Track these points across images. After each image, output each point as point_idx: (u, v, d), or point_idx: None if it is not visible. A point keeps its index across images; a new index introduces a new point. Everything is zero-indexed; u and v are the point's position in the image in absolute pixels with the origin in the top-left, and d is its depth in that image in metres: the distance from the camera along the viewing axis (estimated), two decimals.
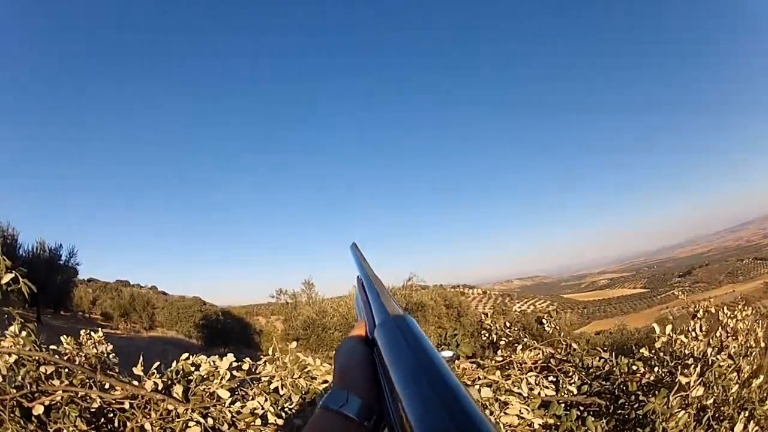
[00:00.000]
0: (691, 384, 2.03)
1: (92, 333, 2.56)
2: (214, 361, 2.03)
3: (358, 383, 0.51)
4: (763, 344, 2.89)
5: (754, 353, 2.77)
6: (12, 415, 1.83)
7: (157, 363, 2.01)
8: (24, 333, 2.02)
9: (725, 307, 2.89)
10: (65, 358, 2.06)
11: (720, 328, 2.74)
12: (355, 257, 0.80)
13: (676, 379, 2.10)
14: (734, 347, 2.62)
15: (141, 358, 2.01)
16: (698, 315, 2.76)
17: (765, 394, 2.51)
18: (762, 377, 2.57)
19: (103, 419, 1.98)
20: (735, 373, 2.44)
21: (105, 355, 2.22)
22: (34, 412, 1.83)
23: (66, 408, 1.87)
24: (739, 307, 2.95)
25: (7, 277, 1.93)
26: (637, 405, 2.21)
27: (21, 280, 1.96)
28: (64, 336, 2.29)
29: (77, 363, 2.03)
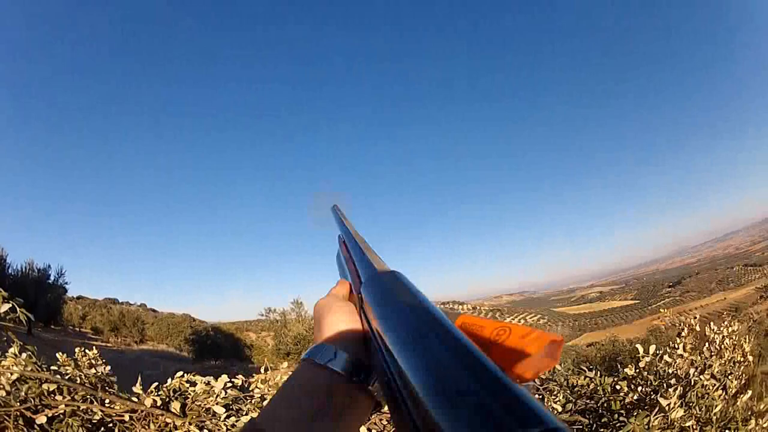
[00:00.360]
0: (671, 406, 2.07)
1: (87, 351, 2.59)
2: (209, 381, 2.08)
3: (346, 339, 0.48)
4: (751, 358, 2.80)
5: (742, 368, 2.70)
6: (16, 423, 1.89)
7: (156, 383, 2.06)
8: (24, 355, 2.06)
9: (711, 323, 2.82)
10: (66, 377, 2.10)
11: (707, 344, 2.69)
12: (336, 218, 0.74)
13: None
14: (718, 366, 2.57)
15: (139, 377, 2.06)
16: (683, 333, 2.71)
17: (749, 413, 2.45)
18: (750, 392, 2.52)
19: (103, 429, 2.03)
20: (720, 391, 2.41)
21: (104, 374, 2.26)
22: (37, 422, 1.89)
23: (69, 420, 1.93)
24: (725, 323, 2.86)
25: (5, 307, 2.01)
26: (619, 424, 2.23)
27: (19, 310, 2.05)
28: (60, 353, 2.31)
29: (78, 382, 2.07)
